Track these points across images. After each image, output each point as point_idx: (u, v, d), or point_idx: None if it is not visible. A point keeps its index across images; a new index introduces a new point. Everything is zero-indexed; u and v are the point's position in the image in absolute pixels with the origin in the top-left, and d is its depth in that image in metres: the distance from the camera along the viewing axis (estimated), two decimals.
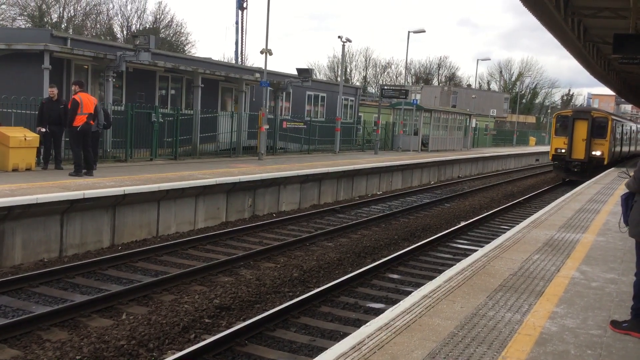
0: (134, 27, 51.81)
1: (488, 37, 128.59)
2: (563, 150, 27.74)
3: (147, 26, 51.91)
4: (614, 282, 7.40)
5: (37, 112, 14.82)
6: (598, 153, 27.27)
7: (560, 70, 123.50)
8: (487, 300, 6.33)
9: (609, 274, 7.76)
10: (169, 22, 54.97)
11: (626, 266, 8.04)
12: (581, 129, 27.39)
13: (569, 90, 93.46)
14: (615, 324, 5.69)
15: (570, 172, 28.01)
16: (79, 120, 13.65)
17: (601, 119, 27.70)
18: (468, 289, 6.71)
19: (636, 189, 5.57)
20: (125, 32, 51.47)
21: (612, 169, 28.36)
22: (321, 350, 5.30)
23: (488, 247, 9.13)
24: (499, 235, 11.61)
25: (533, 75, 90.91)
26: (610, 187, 19.64)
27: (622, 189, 17.16)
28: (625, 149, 36.02)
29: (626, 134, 35.44)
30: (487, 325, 5.55)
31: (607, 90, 38.86)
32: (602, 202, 15.16)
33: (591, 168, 27.12)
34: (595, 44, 22.36)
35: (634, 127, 40.45)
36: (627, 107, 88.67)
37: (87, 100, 13.88)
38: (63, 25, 46.74)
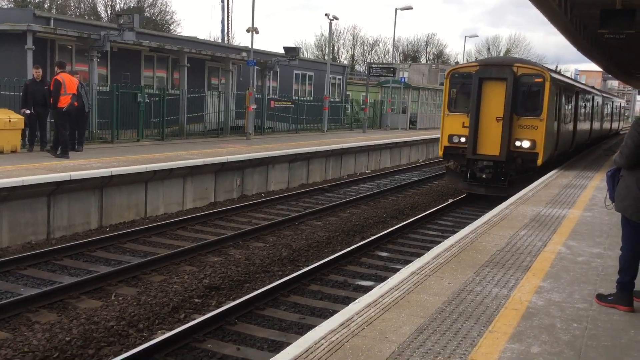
0: (118, 6, 51.03)
1: (474, 13, 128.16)
2: (462, 139, 15.64)
3: (132, 5, 51.18)
4: (600, 256, 7.47)
5: (21, 94, 14.64)
6: (526, 144, 15.12)
7: (547, 47, 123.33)
8: (475, 275, 6.38)
9: (595, 249, 7.84)
10: (153, 0, 54.21)
11: (612, 240, 8.12)
12: (494, 99, 15.22)
13: (556, 66, 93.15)
14: (600, 298, 5.75)
15: (476, 180, 15.76)
16: (64, 101, 13.51)
17: (532, 78, 15.22)
18: (456, 265, 6.76)
19: (622, 163, 5.60)
20: (109, 12, 50.71)
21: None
22: (311, 327, 5.33)
23: (476, 224, 9.19)
24: (486, 212, 11.67)
25: (521, 51, 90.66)
26: (597, 162, 19.76)
27: (609, 165, 17.27)
28: (584, 129, 23.03)
29: (583, 107, 22.50)
30: (475, 300, 5.60)
31: (594, 66, 38.32)
32: (589, 178, 15.26)
33: (513, 172, 15.51)
34: (582, 20, 22.35)
35: (598, 98, 27.31)
36: (614, 83, 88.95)
37: (69, 81, 13.73)
38: (46, 5, 45.97)
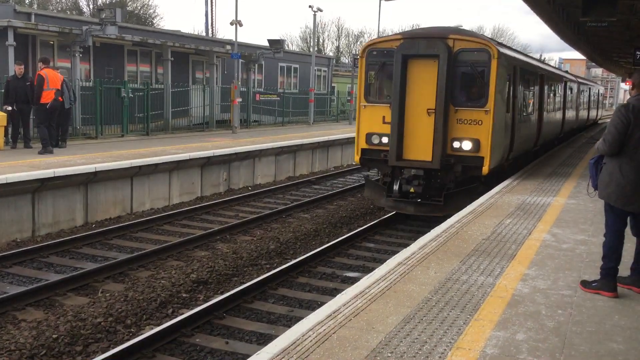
0: (99, 0, 50.57)
1: (459, 3, 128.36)
2: (384, 140, 11.90)
3: None
4: (584, 243, 7.55)
5: (2, 90, 14.50)
6: (467, 145, 11.41)
7: (532, 36, 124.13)
8: (461, 265, 6.42)
9: (580, 236, 7.91)
10: None
11: (596, 227, 8.20)
12: (424, 84, 11.50)
13: (541, 55, 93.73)
14: (585, 284, 5.81)
15: (403, 195, 11.81)
16: (47, 97, 13.41)
17: (474, 55, 11.44)
18: (442, 255, 6.80)
19: (606, 151, 5.64)
20: (91, 6, 50.23)
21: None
22: (299, 320, 5.34)
23: (462, 213, 9.23)
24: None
25: (505, 41, 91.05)
26: (581, 150, 19.91)
27: (592, 152, 17.37)
28: (553, 121, 19.36)
29: (552, 94, 18.77)
30: (461, 289, 5.64)
31: (578, 55, 38.16)
32: (573, 166, 15.38)
33: (452, 183, 11.77)
34: (564, 8, 22.47)
35: (572, 84, 23.65)
36: (598, 71, 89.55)
37: (53, 76, 13.64)
38: (27, 0, 45.43)
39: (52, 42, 18.59)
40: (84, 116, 17.87)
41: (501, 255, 6.85)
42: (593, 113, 36.09)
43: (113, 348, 6.23)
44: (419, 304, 5.21)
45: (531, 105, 15.55)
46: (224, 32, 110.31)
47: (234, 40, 23.78)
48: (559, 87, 20.39)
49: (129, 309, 7.36)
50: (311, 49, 48.58)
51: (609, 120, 5.71)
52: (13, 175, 10.44)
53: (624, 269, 5.87)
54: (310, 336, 4.49)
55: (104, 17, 17.76)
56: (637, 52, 19.35)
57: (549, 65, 22.13)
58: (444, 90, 11.18)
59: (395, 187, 11.82)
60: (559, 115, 20.65)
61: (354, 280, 8.20)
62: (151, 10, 55.26)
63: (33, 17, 18.53)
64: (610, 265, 5.66)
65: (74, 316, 7.03)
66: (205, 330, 6.94)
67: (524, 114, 14.54)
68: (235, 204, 14.12)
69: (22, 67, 14.36)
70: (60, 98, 13.82)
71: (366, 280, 5.86)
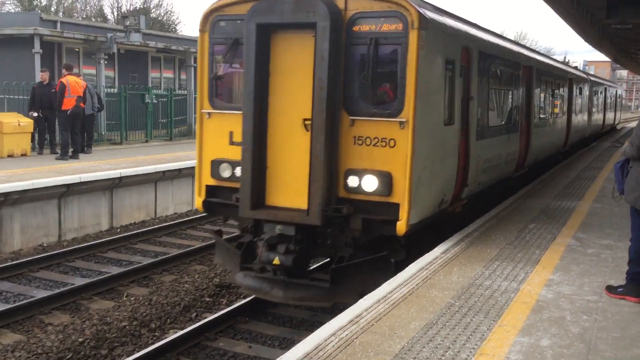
0: (124, 7, 51.23)
1: (481, 6, 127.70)
2: (237, 173, 6.99)
3: (137, 6, 51.36)
4: (609, 247, 7.45)
5: (28, 97, 14.78)
6: (370, 183, 6.52)
7: (555, 38, 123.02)
8: (484, 270, 6.37)
9: (605, 240, 7.81)
10: (159, 1, 54.36)
11: (622, 232, 8.08)
12: (297, 74, 6.71)
13: (565, 57, 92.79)
14: (610, 289, 5.74)
15: (265, 271, 6.79)
16: (68, 104, 13.61)
17: (379, 24, 6.43)
18: (464, 260, 6.75)
19: (633, 154, 5.55)
20: (115, 13, 50.93)
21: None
22: (321, 324, 5.35)
23: (484, 218, 9.15)
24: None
25: (528, 44, 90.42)
26: (606, 153, 19.64)
27: (618, 156, 17.10)
28: (552, 129, 14.85)
29: (550, 95, 14.39)
30: (484, 294, 5.60)
31: (602, 57, 37.42)
32: (598, 169, 15.18)
33: (347, 248, 6.84)
34: (588, 10, 22.21)
35: (582, 84, 19.52)
36: (623, 73, 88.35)
37: (75, 83, 13.84)
38: (53, 8, 46.23)
39: (77, 50, 18.89)
40: (109, 122, 18.13)
41: (525, 260, 6.78)
42: (610, 117, 30.94)
43: (138, 351, 6.30)
44: (441, 309, 5.19)
45: (508, 110, 10.80)
46: None
47: None
48: (562, 87, 15.85)
49: (154, 313, 7.44)
50: None
51: (630, 124, 5.62)
52: (40, 181, 10.62)
53: None
54: (332, 341, 4.50)
55: (128, 25, 18.04)
56: None
57: (545, 57, 16.60)
58: (326, 86, 6.47)
59: (265, 252, 6.83)
60: (560, 122, 15.87)
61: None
62: (174, 17, 55.91)
63: (59, 24, 18.88)
64: (636, 270, 5.59)
65: (99, 320, 7.13)
66: (228, 334, 6.99)
67: (493, 124, 9.70)
68: None
69: (48, 73, 14.61)
70: (82, 104, 14.01)
71: (388, 285, 5.84)
